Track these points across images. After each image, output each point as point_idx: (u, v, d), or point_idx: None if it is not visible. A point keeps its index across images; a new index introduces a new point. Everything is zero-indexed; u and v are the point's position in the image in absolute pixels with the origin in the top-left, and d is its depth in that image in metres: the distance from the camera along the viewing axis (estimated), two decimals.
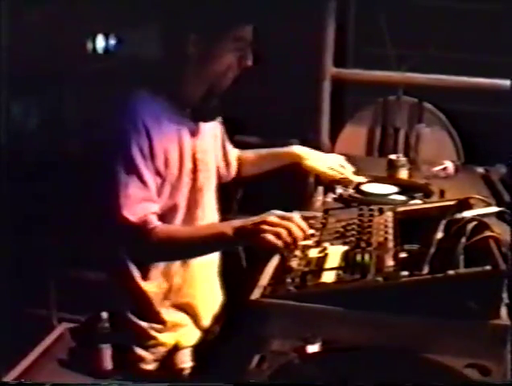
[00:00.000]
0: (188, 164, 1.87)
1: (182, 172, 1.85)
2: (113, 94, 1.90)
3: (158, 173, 1.78)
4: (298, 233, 1.59)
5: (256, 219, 1.63)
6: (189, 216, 1.89)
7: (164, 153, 1.79)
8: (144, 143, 1.73)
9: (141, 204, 1.73)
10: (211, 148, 2.00)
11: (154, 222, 1.74)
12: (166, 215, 1.82)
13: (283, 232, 1.58)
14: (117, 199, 1.70)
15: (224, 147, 2.13)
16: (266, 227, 1.58)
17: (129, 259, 1.85)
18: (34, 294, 3.08)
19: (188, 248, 1.78)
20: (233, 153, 2.21)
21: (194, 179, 1.89)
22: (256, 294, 1.47)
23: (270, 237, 1.57)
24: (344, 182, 2.19)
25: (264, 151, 2.27)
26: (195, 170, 1.89)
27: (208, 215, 1.97)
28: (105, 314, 1.86)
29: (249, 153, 2.25)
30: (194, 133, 1.89)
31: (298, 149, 2.22)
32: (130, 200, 1.71)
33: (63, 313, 3.09)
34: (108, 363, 1.86)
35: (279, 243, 1.57)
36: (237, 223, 1.66)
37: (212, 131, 2.01)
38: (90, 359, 1.86)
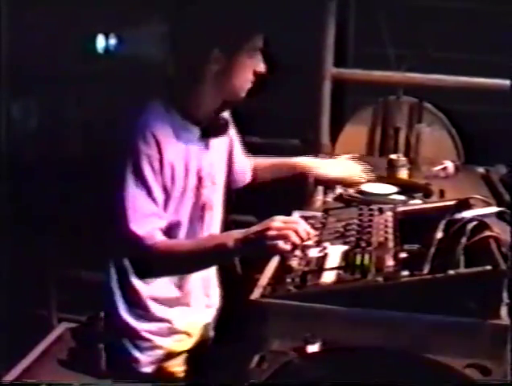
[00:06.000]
0: (193, 180, 1.85)
1: (187, 188, 1.83)
2: (125, 104, 1.90)
3: (164, 188, 1.77)
4: (304, 235, 1.60)
5: (258, 227, 1.62)
6: (192, 232, 1.88)
7: (171, 168, 1.77)
8: (154, 157, 1.72)
9: (148, 218, 1.72)
10: (218, 161, 1.97)
11: (158, 237, 1.73)
12: (170, 231, 1.81)
13: (291, 236, 1.58)
14: (125, 212, 1.70)
15: (233, 156, 2.11)
16: (272, 233, 1.58)
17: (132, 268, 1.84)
18: (34, 294, 3.08)
19: (190, 261, 1.77)
20: (246, 162, 2.19)
21: (198, 195, 1.87)
22: (256, 294, 1.47)
23: (279, 242, 1.57)
24: (358, 183, 2.21)
25: (276, 160, 2.25)
26: (199, 187, 1.87)
27: (212, 230, 1.96)
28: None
29: (261, 161, 2.24)
30: (202, 150, 1.87)
31: (307, 161, 2.22)
32: (138, 214, 1.71)
33: (63, 313, 3.09)
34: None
35: (288, 247, 1.58)
36: (239, 233, 1.65)
37: (222, 143, 1.99)
38: (90, 359, 1.86)
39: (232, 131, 2.05)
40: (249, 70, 1.80)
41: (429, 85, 2.81)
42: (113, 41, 3.13)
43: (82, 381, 1.78)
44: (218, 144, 1.95)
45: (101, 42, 3.12)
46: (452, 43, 2.87)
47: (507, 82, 2.55)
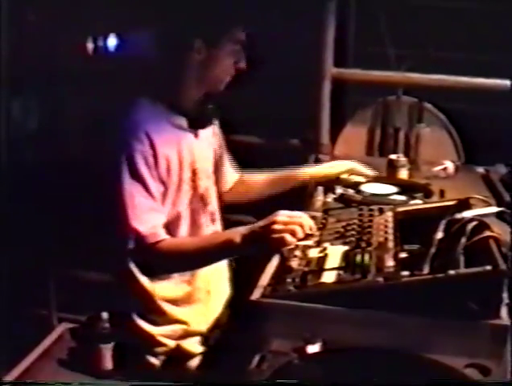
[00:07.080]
0: (187, 172, 1.87)
1: (182, 179, 1.85)
2: (115, 102, 1.92)
3: (161, 181, 1.78)
4: (308, 230, 1.61)
5: (263, 222, 1.63)
6: (194, 224, 1.89)
7: (166, 160, 1.79)
8: (148, 153, 1.74)
9: (148, 214, 1.73)
10: (209, 155, 2.00)
11: (163, 235, 1.74)
12: (170, 224, 1.82)
13: (297, 229, 1.59)
14: (125, 210, 1.71)
15: (220, 158, 2.11)
16: (278, 226, 1.59)
17: (137, 267, 1.84)
18: (34, 294, 3.08)
19: (197, 259, 1.78)
20: (232, 175, 2.19)
21: (194, 187, 1.89)
22: (256, 294, 1.48)
23: (286, 236, 1.58)
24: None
25: (270, 175, 2.22)
26: (194, 178, 1.89)
27: (214, 221, 1.97)
28: (105, 314, 1.86)
29: (255, 178, 2.21)
30: (192, 140, 1.90)
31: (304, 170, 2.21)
32: (137, 210, 1.72)
33: (63, 313, 3.09)
34: (108, 363, 1.86)
35: (294, 241, 1.59)
36: (245, 229, 1.66)
37: (209, 139, 2.02)
38: (90, 359, 1.86)
39: (220, 137, 2.06)
40: (230, 62, 1.83)
41: (429, 85, 2.80)
42: (113, 41, 3.13)
43: (82, 381, 1.78)
44: (206, 139, 1.98)
45: (101, 42, 3.11)
46: (452, 43, 2.87)
47: (507, 82, 2.55)
